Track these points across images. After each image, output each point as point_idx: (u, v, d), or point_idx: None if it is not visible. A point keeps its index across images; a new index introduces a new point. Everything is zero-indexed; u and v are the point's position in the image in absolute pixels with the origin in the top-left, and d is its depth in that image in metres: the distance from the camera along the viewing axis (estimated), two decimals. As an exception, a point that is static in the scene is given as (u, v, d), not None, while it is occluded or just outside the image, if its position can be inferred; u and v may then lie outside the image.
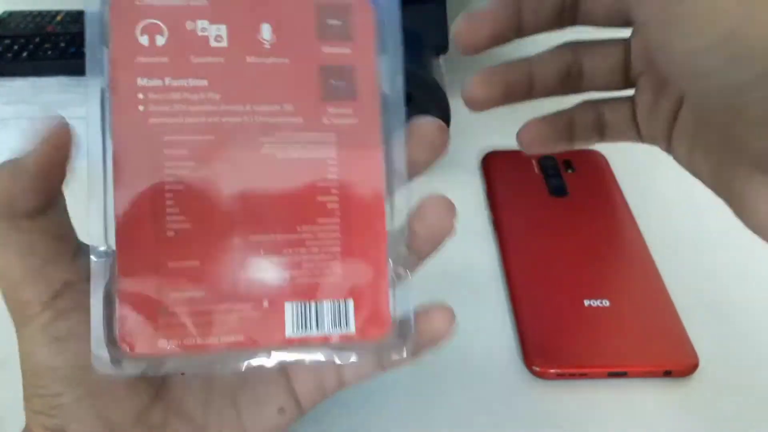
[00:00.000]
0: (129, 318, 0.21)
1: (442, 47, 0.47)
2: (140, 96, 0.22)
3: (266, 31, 0.23)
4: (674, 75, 0.21)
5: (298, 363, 0.23)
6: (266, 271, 0.22)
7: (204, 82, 0.22)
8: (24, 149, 0.21)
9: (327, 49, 0.23)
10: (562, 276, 0.39)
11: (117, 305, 0.21)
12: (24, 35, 0.60)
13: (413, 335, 0.23)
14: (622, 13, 0.25)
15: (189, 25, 0.22)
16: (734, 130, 0.22)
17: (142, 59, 0.22)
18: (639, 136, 0.27)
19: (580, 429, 0.32)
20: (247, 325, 0.22)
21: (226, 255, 0.22)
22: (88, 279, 0.21)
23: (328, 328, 0.23)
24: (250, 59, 0.22)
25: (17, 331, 0.22)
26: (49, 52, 0.58)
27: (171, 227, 0.22)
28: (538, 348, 0.35)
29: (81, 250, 0.22)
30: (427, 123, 0.23)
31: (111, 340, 0.21)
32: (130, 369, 0.21)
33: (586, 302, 0.37)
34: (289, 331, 0.22)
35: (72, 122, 0.22)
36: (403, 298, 0.23)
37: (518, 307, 0.37)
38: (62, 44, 0.59)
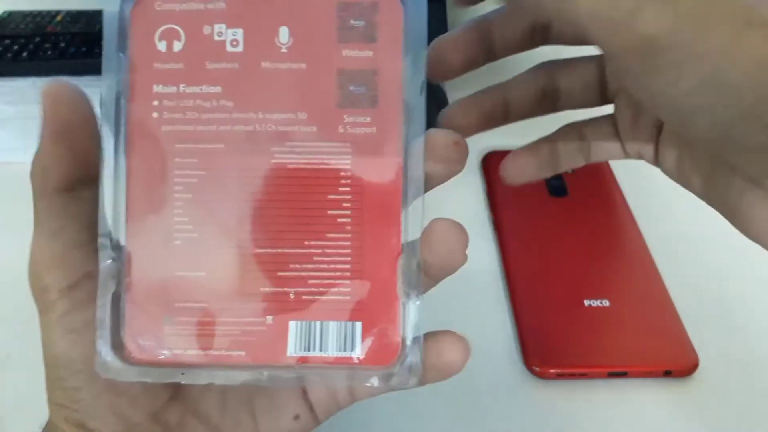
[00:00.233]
0: (135, 324, 0.21)
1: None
2: (155, 103, 0.21)
3: (284, 35, 0.22)
4: (655, 111, 0.21)
5: (296, 385, 0.22)
6: (271, 286, 0.22)
7: (218, 89, 0.22)
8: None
9: (348, 53, 0.22)
10: (562, 276, 0.39)
11: (124, 310, 0.21)
12: (24, 35, 0.60)
13: (422, 364, 0.22)
14: (592, 94, 0.26)
15: (206, 29, 0.22)
16: (725, 155, 0.21)
17: (159, 65, 0.21)
18: (624, 153, 0.27)
19: (580, 429, 0.32)
20: (249, 341, 0.22)
21: (231, 267, 0.22)
22: None
23: (332, 349, 0.22)
24: (265, 64, 0.22)
25: (39, 317, 0.22)
26: (49, 52, 0.58)
27: (179, 237, 0.22)
28: (538, 348, 0.35)
29: None
30: (441, 136, 0.22)
31: (115, 345, 0.21)
32: (133, 375, 0.21)
33: (586, 302, 0.37)
34: (292, 350, 0.22)
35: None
36: (414, 324, 0.22)
37: (518, 307, 0.37)
38: (62, 44, 0.59)
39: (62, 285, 0.21)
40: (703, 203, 0.25)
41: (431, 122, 0.23)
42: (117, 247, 0.21)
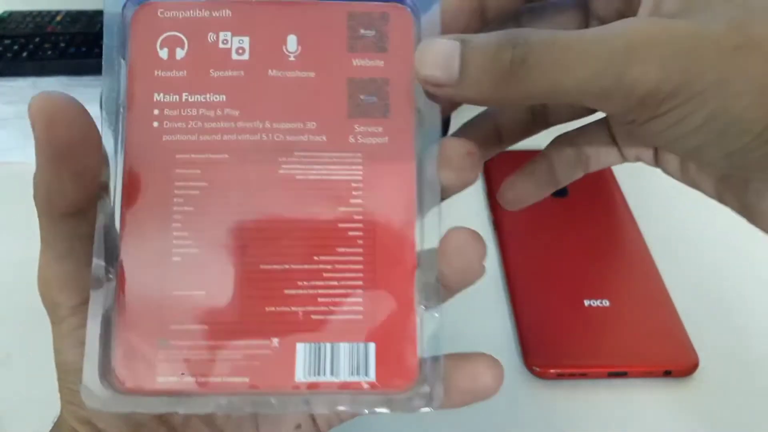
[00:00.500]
0: (127, 350, 0.20)
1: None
2: (155, 112, 0.21)
3: (292, 43, 0.21)
4: (664, 148, 0.21)
5: (305, 412, 0.20)
6: (277, 305, 0.20)
7: (222, 98, 0.21)
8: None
9: (358, 62, 0.21)
10: (562, 276, 0.39)
11: (115, 335, 0.20)
12: (24, 35, 0.60)
13: (443, 386, 0.20)
14: (579, 106, 0.25)
15: (211, 37, 0.21)
16: (741, 173, 0.21)
17: (160, 73, 0.21)
18: (622, 158, 0.26)
19: (580, 429, 0.32)
20: (254, 366, 0.20)
21: (234, 285, 0.20)
22: None
23: (344, 374, 0.20)
24: (272, 73, 0.21)
25: (51, 325, 0.22)
26: (49, 52, 0.58)
27: (177, 252, 0.20)
28: (538, 348, 0.35)
29: None
30: (455, 145, 0.21)
31: (105, 372, 0.19)
32: (123, 405, 0.19)
33: (586, 302, 0.37)
34: (300, 375, 0.20)
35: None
36: (433, 343, 0.20)
37: (518, 307, 0.37)
38: (62, 44, 0.59)
39: (73, 302, 0.21)
40: (702, 203, 0.25)
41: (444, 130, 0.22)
42: (110, 266, 0.20)
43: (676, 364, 0.34)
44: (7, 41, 0.59)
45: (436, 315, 0.20)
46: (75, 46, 0.59)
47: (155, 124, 0.21)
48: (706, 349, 0.34)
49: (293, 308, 0.20)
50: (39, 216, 0.20)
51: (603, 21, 0.23)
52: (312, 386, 0.20)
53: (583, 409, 0.33)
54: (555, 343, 0.35)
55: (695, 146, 0.19)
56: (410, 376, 0.20)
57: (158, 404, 0.20)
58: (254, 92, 0.21)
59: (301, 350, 0.20)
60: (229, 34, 0.21)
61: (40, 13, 0.63)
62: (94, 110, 0.20)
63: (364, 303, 0.20)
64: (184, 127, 0.21)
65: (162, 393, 0.20)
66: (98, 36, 0.28)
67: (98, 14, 0.62)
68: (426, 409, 0.20)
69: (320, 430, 0.25)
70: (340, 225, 0.21)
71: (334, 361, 0.20)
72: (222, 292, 0.20)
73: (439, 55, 0.19)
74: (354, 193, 0.21)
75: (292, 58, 0.21)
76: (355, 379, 0.20)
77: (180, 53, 0.21)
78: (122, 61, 0.21)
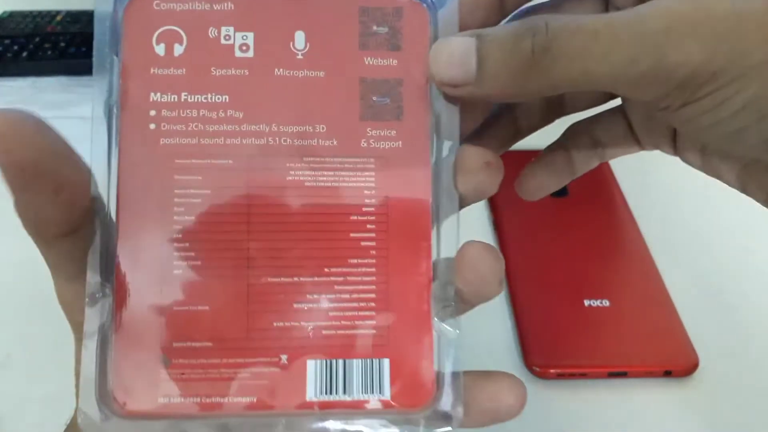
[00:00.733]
0: (126, 370, 0.18)
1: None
2: (152, 113, 0.19)
3: (300, 40, 0.20)
4: (697, 136, 0.20)
5: None
6: (286, 320, 0.19)
7: (224, 98, 0.19)
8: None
9: (370, 61, 0.20)
10: (562, 276, 0.39)
11: (112, 354, 0.18)
12: (24, 35, 0.60)
13: (462, 406, 0.19)
14: (599, 93, 0.24)
15: (212, 32, 0.19)
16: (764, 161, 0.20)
17: (156, 71, 0.19)
18: (640, 147, 0.26)
19: (580, 429, 0.32)
20: (262, 385, 0.19)
21: (239, 299, 0.19)
22: None
23: (357, 392, 0.19)
24: (278, 72, 0.20)
25: (74, 338, 0.21)
26: (49, 52, 0.58)
27: (178, 265, 0.19)
28: (538, 348, 0.35)
29: None
30: (472, 155, 0.20)
31: (103, 394, 0.18)
32: (122, 430, 0.18)
33: (586, 302, 0.37)
34: (311, 393, 0.19)
35: (73, 122, 0.20)
36: (451, 358, 0.19)
37: (518, 307, 0.37)
38: (62, 44, 0.59)
39: None
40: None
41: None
42: (106, 282, 0.19)
43: (676, 364, 0.34)
44: (7, 41, 0.59)
45: (454, 329, 0.19)
46: (75, 46, 0.59)
47: (152, 126, 0.19)
48: (706, 349, 0.34)
49: (303, 323, 0.19)
50: (35, 243, 0.19)
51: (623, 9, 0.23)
52: (324, 405, 0.19)
53: (583, 409, 0.33)
54: (555, 343, 0.35)
55: (731, 131, 0.18)
56: (427, 393, 0.19)
57: (161, 428, 0.18)
58: (259, 93, 0.20)
59: (312, 367, 0.19)
60: (231, 29, 0.20)
61: (40, 13, 0.63)
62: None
63: (377, 317, 0.19)
64: (184, 129, 0.19)
65: (164, 415, 0.18)
66: (98, 36, 0.28)
67: (98, 14, 0.62)
68: (445, 429, 0.19)
69: None
70: (352, 235, 0.20)
71: (347, 379, 0.19)
72: (227, 306, 0.19)
73: (454, 54, 0.18)
74: (366, 201, 0.20)
75: (299, 56, 0.20)
76: (368, 397, 0.19)
77: (178, 49, 0.19)
78: (115, 57, 0.19)
